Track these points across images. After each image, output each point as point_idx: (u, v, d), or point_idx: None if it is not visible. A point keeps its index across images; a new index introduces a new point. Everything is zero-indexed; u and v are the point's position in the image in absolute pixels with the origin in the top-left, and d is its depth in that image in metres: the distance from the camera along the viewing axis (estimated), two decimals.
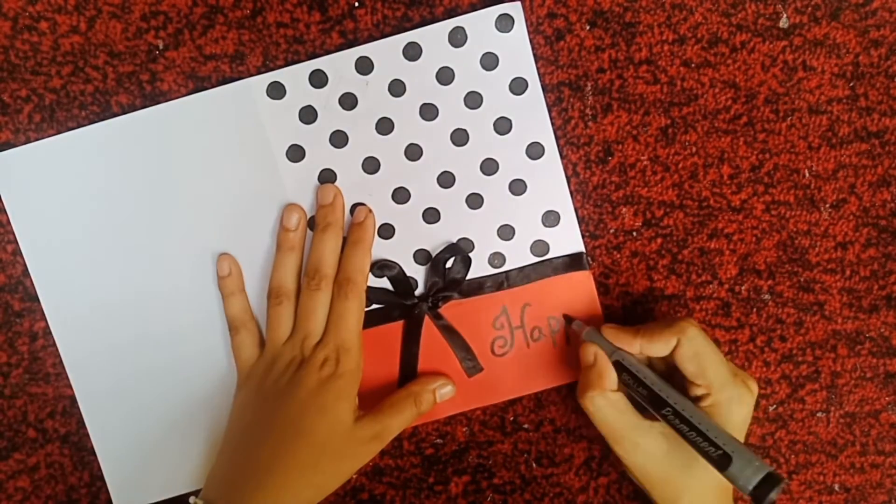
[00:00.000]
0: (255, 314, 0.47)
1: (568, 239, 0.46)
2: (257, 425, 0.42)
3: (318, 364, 0.42)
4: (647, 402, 0.40)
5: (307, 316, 0.44)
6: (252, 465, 0.40)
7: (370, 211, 0.46)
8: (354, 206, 0.46)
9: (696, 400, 0.40)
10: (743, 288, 0.47)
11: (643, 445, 0.41)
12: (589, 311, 0.47)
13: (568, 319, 0.46)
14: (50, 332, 0.47)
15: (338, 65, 0.44)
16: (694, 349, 0.40)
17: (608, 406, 0.41)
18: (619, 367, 0.42)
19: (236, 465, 0.41)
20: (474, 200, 0.46)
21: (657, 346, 0.41)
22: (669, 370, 0.42)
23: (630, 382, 0.41)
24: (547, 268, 0.47)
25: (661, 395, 0.40)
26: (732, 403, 0.40)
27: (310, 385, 0.42)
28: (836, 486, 0.49)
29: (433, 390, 0.45)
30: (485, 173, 0.46)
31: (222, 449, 0.43)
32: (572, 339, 0.46)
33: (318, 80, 0.45)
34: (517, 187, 0.46)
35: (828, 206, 0.47)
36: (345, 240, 0.45)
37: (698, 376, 0.40)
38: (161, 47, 0.45)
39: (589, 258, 0.47)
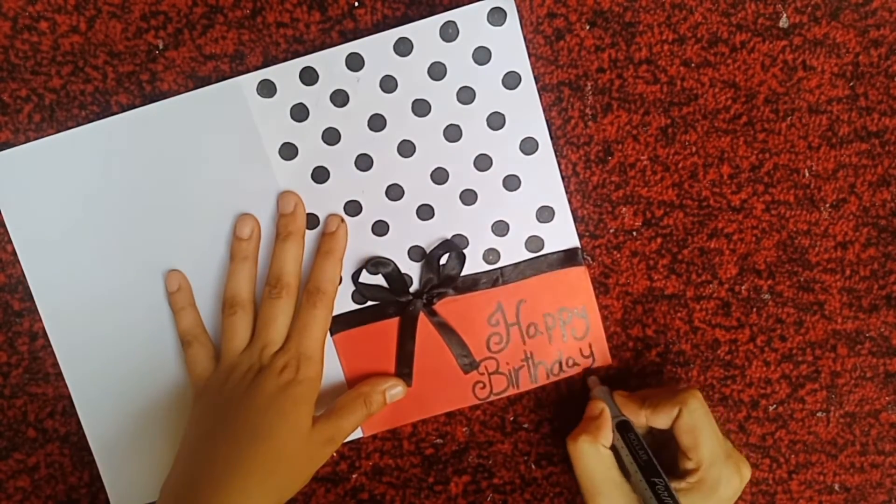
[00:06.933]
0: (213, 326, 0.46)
1: (563, 234, 0.46)
2: (214, 431, 0.41)
3: (277, 370, 0.42)
4: (641, 467, 0.40)
5: (267, 324, 0.43)
6: (209, 469, 0.39)
7: (342, 220, 0.45)
8: (333, 214, 0.46)
9: (685, 473, 0.41)
10: (743, 288, 0.47)
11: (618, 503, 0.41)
12: (584, 307, 0.47)
13: (587, 373, 0.47)
14: None
15: (328, 61, 0.44)
16: (693, 421, 0.40)
17: (596, 456, 0.41)
18: (626, 426, 0.42)
19: (192, 471, 0.40)
20: (468, 196, 0.46)
21: (660, 417, 0.41)
22: (665, 443, 0.43)
23: (634, 443, 0.41)
24: (542, 263, 0.46)
25: (657, 465, 0.40)
26: (719, 484, 0.40)
27: (269, 390, 0.41)
28: (836, 486, 0.49)
29: (383, 391, 0.45)
30: (478, 169, 0.46)
31: (178, 457, 0.42)
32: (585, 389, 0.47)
33: (308, 77, 0.44)
34: (511, 183, 0.46)
35: (828, 205, 0.47)
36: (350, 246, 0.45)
37: (691, 450, 0.40)
38: (161, 47, 0.45)
39: (585, 253, 0.47)
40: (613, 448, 0.42)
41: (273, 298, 0.43)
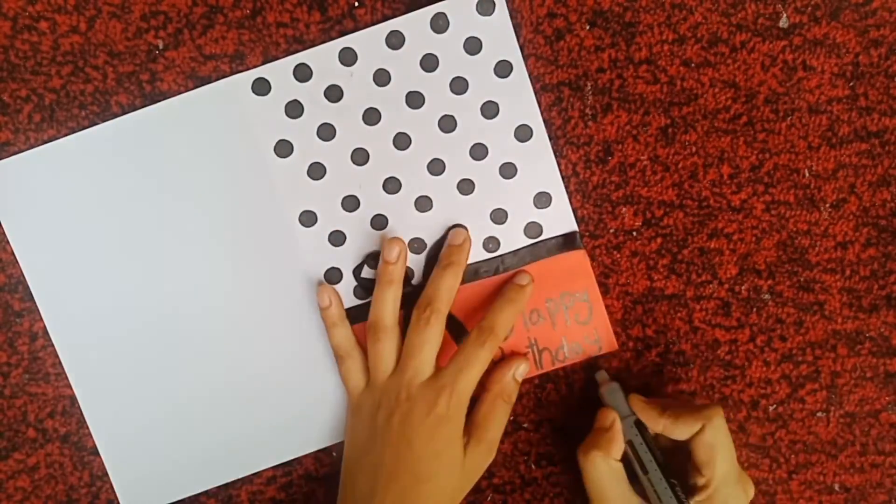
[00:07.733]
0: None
1: (561, 219, 0.46)
2: (378, 468, 0.42)
3: (428, 403, 0.42)
4: (661, 466, 0.41)
5: (413, 353, 0.43)
6: None
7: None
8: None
9: (694, 489, 0.41)
10: (743, 288, 0.47)
11: None
12: (586, 291, 0.47)
13: (595, 368, 0.47)
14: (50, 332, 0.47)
15: (321, 57, 0.44)
16: (714, 439, 0.41)
17: (608, 472, 0.42)
18: (642, 426, 0.43)
19: None
20: (465, 186, 0.46)
21: (681, 429, 0.42)
22: (670, 457, 0.43)
23: (651, 444, 0.42)
24: (541, 249, 0.47)
25: (670, 469, 0.41)
26: (728, 501, 0.41)
27: (422, 430, 0.42)
28: (836, 486, 0.49)
29: (513, 377, 0.45)
30: (474, 158, 0.46)
31: (343, 484, 0.45)
32: (591, 387, 0.47)
33: (302, 73, 0.45)
34: (507, 171, 0.46)
35: (828, 205, 0.47)
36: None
37: (706, 466, 0.41)
38: (161, 47, 0.45)
39: (581, 236, 0.47)
40: (628, 444, 0.43)
41: (422, 325, 0.43)
